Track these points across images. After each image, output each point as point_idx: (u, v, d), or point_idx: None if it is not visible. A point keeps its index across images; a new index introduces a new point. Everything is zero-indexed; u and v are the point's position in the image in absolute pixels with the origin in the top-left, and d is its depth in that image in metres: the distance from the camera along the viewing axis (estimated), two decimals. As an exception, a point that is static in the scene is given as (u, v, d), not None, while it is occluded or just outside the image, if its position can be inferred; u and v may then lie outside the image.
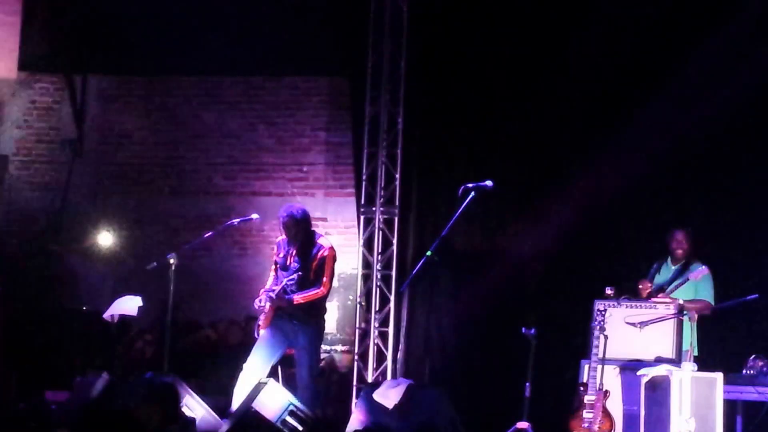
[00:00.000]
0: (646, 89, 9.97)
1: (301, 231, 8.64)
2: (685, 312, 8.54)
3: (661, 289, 8.84)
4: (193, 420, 7.97)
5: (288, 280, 8.54)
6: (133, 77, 12.47)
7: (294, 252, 8.66)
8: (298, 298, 8.52)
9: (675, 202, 9.85)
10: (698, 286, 8.80)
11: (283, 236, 8.76)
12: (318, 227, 10.92)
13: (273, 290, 8.54)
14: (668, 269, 9.04)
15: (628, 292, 8.81)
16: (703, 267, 8.74)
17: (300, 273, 8.57)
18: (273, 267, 8.84)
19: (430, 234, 10.11)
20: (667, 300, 8.63)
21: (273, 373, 8.60)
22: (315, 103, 12.06)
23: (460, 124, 10.61)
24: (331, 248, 8.67)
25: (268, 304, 8.54)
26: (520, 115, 10.35)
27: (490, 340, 10.10)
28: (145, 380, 8.03)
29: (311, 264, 8.57)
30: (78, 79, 12.50)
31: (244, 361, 8.64)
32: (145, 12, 11.55)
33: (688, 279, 8.73)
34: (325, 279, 8.55)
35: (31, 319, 11.27)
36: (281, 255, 8.73)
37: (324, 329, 8.84)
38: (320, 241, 8.70)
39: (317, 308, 8.65)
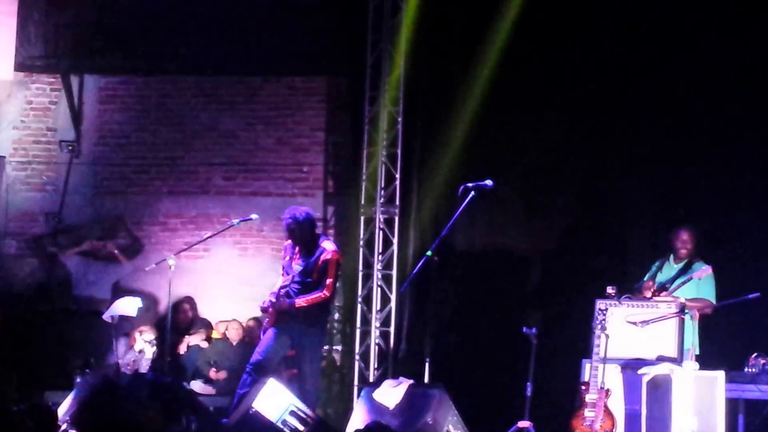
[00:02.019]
0: (648, 88, 9.97)
1: (304, 233, 8.59)
2: (687, 310, 8.52)
3: (663, 288, 8.82)
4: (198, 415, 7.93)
5: (291, 283, 8.51)
6: (131, 77, 12.40)
7: (298, 255, 8.62)
8: (300, 301, 8.46)
9: (677, 201, 9.84)
10: (701, 284, 8.79)
11: (289, 240, 8.72)
12: (318, 227, 10.93)
13: (275, 293, 8.51)
14: (670, 268, 9.02)
15: (629, 291, 8.80)
16: (706, 266, 8.72)
17: (303, 275, 8.53)
18: (282, 270, 8.80)
19: (430, 234, 10.09)
20: (669, 299, 8.62)
21: (276, 374, 8.57)
22: (314, 103, 12.01)
23: (459, 123, 10.58)
24: (335, 252, 8.61)
25: (270, 309, 8.51)
26: (521, 114, 10.34)
27: (491, 340, 10.09)
28: (146, 381, 7.99)
29: (314, 267, 8.52)
30: (75, 79, 12.43)
31: (247, 361, 8.61)
32: (142, 12, 11.51)
33: (691, 278, 8.72)
34: (327, 282, 8.48)
35: (30, 319, 11.24)
36: (287, 258, 8.69)
37: (327, 331, 8.80)
38: (324, 244, 8.62)
39: (321, 310, 8.61)
